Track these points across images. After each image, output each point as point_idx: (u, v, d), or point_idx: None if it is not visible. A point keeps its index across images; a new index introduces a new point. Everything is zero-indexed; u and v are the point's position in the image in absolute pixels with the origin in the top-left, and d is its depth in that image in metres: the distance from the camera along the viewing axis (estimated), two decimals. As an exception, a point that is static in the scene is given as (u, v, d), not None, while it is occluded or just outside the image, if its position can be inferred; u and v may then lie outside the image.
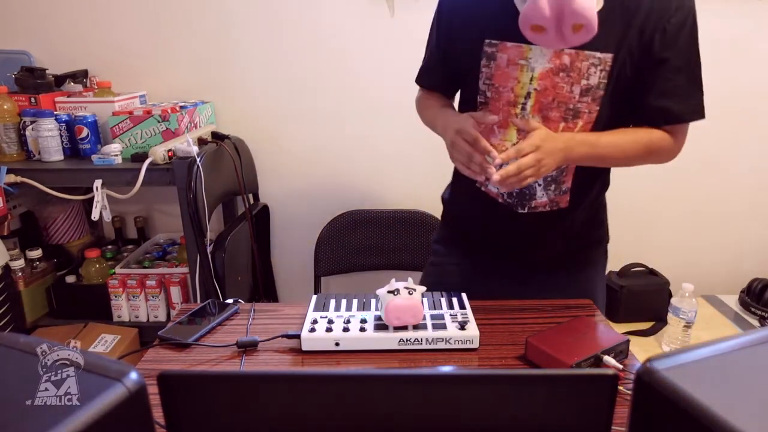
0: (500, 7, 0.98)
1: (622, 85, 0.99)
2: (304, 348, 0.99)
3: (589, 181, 1.11)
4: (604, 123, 1.02)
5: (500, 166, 0.93)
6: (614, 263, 1.89)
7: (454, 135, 0.98)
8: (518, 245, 1.18)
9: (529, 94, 1.01)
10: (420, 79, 1.20)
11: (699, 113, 1.01)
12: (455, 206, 1.27)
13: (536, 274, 1.19)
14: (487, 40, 1.00)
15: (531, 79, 1.00)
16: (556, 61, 0.98)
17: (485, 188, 1.15)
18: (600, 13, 0.89)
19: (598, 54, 0.96)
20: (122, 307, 1.75)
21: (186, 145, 1.56)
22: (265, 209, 2.02)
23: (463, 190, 1.21)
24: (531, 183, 0.98)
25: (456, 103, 1.19)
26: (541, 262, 1.19)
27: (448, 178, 1.28)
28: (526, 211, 1.12)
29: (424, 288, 1.04)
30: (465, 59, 1.04)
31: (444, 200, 1.31)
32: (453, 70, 1.11)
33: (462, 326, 1.00)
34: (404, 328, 0.99)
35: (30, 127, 1.61)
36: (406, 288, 1.02)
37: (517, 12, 0.92)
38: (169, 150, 1.54)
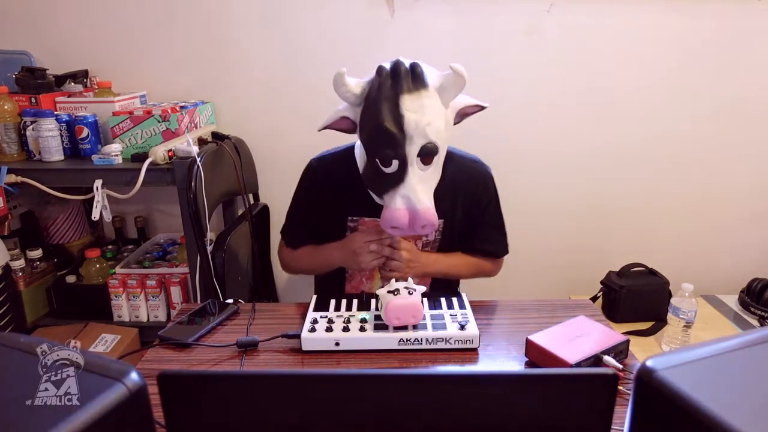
0: (358, 190, 1.21)
1: (453, 236, 1.32)
2: (304, 348, 0.99)
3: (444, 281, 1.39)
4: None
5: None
6: (614, 263, 1.89)
7: (361, 249, 1.21)
8: None
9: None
10: (293, 244, 1.40)
11: (505, 250, 1.39)
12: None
13: None
14: (349, 217, 1.29)
15: None
16: None
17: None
18: (435, 191, 1.14)
19: None
20: (122, 307, 1.75)
21: (186, 145, 1.56)
22: (265, 209, 2.02)
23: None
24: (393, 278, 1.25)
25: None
26: None
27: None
28: None
29: (424, 288, 1.05)
30: (331, 229, 1.32)
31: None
32: (320, 233, 1.36)
33: (462, 326, 1.00)
34: (404, 328, 1.00)
35: (30, 127, 1.61)
36: (406, 288, 1.02)
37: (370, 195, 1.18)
38: (169, 150, 1.54)
